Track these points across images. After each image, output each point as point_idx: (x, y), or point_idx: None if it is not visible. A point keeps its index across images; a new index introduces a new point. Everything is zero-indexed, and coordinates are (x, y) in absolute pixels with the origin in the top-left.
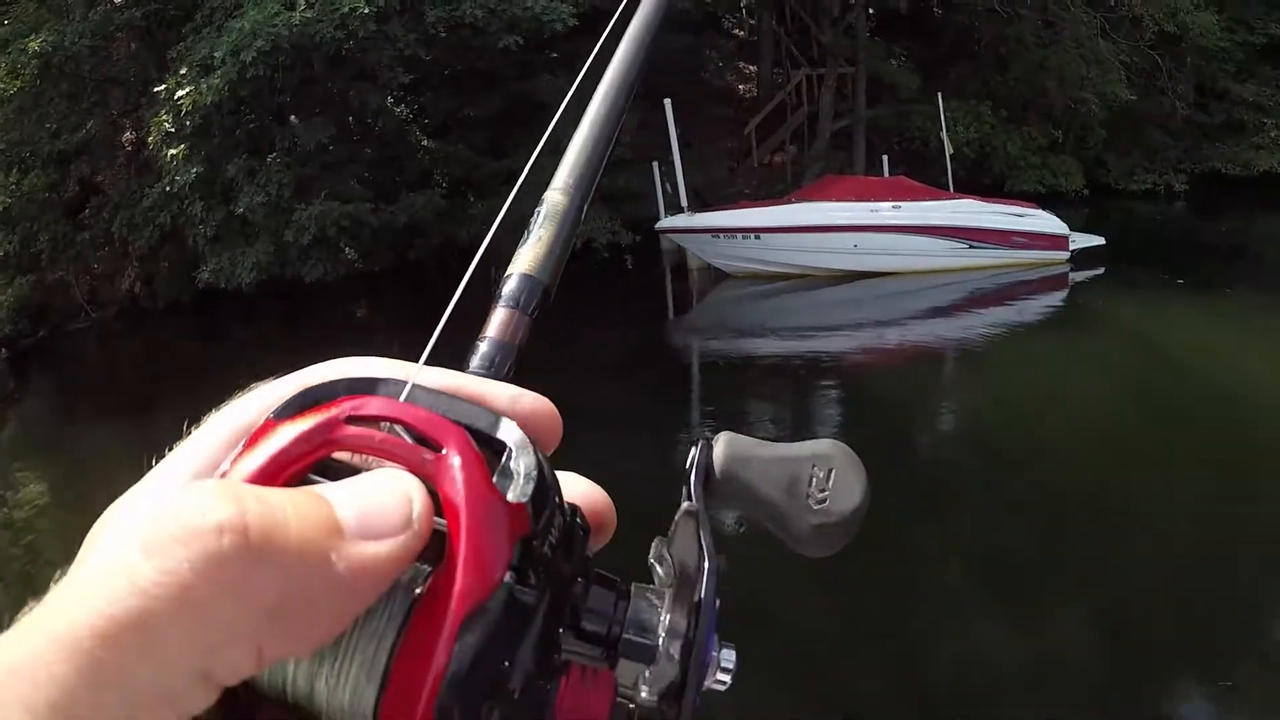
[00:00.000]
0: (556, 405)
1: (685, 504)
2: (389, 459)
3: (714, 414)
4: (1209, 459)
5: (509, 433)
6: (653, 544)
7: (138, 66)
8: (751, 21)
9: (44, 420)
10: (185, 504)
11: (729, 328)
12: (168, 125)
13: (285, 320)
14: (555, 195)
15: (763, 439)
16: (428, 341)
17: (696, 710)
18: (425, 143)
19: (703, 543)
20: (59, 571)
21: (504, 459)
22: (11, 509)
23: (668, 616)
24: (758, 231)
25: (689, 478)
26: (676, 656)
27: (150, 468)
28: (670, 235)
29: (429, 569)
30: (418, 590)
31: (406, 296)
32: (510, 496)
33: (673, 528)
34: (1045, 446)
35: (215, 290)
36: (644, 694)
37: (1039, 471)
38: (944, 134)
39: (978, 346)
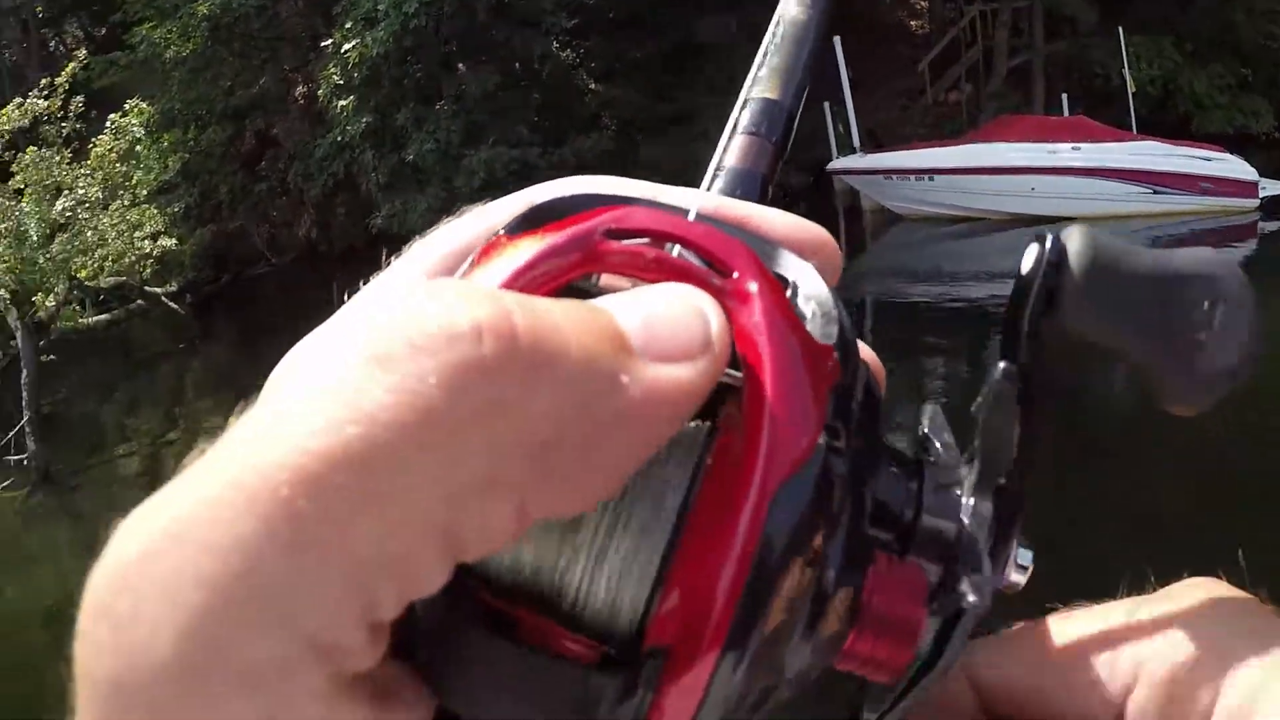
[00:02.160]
0: None
1: (1004, 364)
2: (666, 281)
3: (886, 360)
4: None
5: (794, 266)
6: (927, 410)
7: (305, 23)
8: None
9: (227, 361)
10: (426, 304)
11: (903, 271)
12: (336, 78)
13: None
14: (793, 10)
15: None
16: None
17: (986, 614)
18: (592, 86)
19: (1022, 416)
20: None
21: (788, 295)
22: (195, 439)
23: (971, 501)
24: (931, 173)
25: (1025, 293)
26: (982, 551)
27: None
28: (842, 176)
29: (708, 427)
30: (701, 450)
31: None
32: (815, 334)
33: (986, 388)
34: (1222, 410)
35: (389, 235)
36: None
37: (1212, 437)
38: (1126, 71)
39: None
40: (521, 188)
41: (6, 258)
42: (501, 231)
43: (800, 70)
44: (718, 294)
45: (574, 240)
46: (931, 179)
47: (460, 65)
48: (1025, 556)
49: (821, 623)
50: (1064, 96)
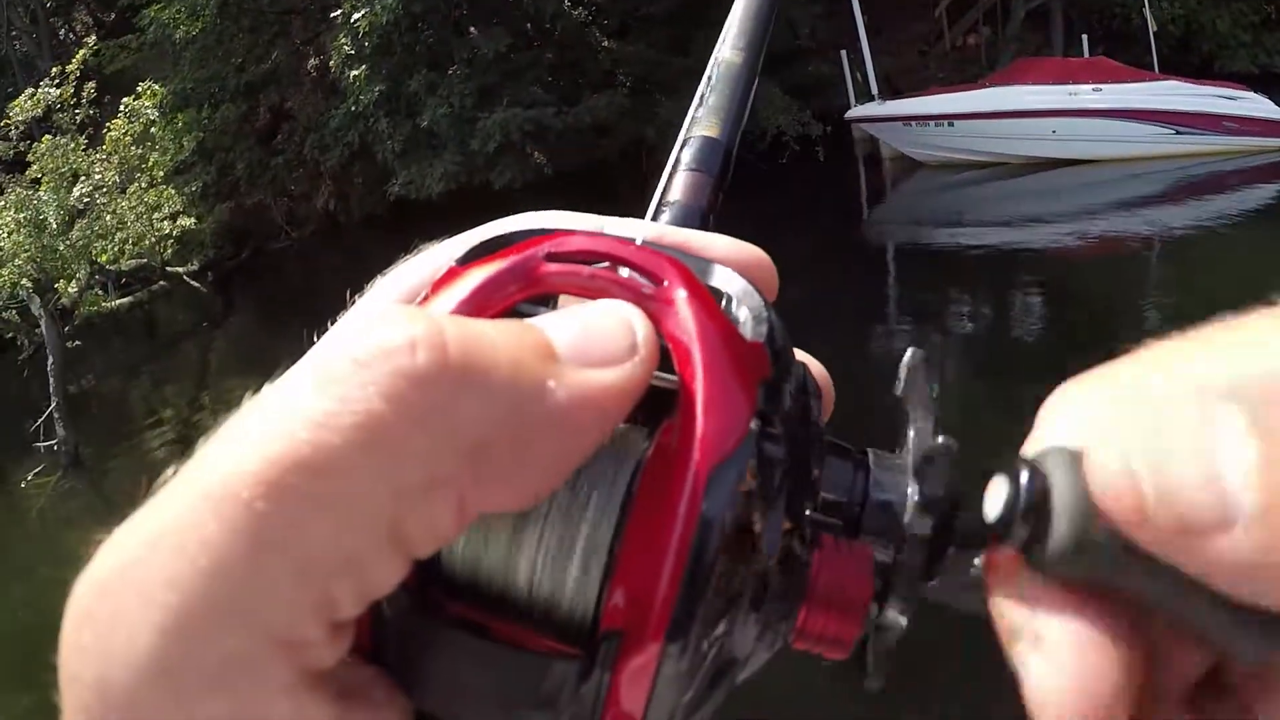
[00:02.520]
0: None
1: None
2: (601, 296)
3: (910, 309)
4: None
5: (726, 278)
6: (907, 356)
7: None
8: None
9: (250, 337)
10: (369, 326)
11: (924, 219)
12: (347, 48)
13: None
14: (727, 53)
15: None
16: None
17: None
18: (605, 44)
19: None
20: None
21: (722, 305)
22: (223, 415)
23: (916, 487)
24: (951, 118)
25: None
26: (927, 534)
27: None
28: (861, 124)
29: (646, 431)
30: (642, 450)
31: (597, 196)
32: (746, 334)
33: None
34: None
35: (407, 202)
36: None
37: None
38: (1146, 10)
39: (1183, 241)
40: (538, 149)
41: (27, 246)
42: (454, 263)
43: (736, 108)
44: (647, 302)
45: (517, 265)
46: (951, 124)
47: (471, 28)
48: None
49: (768, 600)
50: (1084, 38)
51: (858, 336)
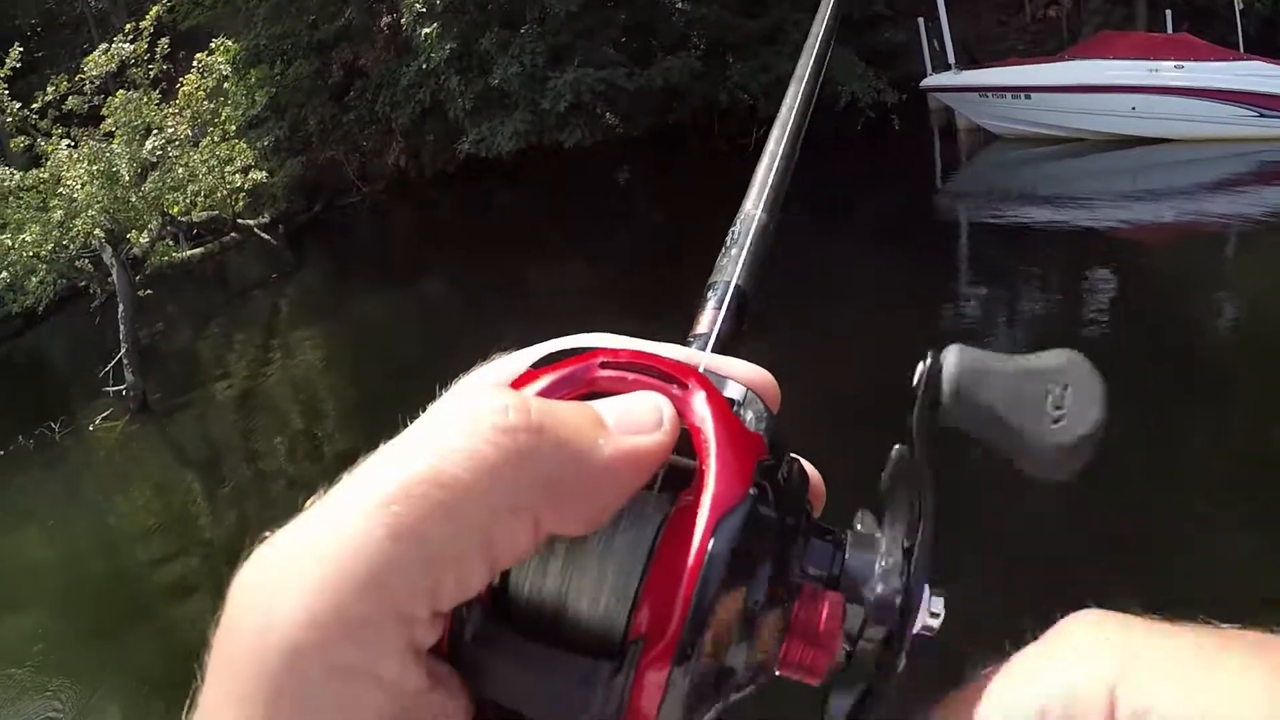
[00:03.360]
0: (819, 272)
1: (898, 448)
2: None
3: (978, 282)
4: None
5: (735, 390)
6: (858, 517)
7: None
8: None
9: (320, 290)
10: (475, 393)
11: (997, 193)
12: (420, 6)
13: (547, 186)
14: (752, 211)
15: (993, 351)
16: (686, 209)
17: (908, 655)
18: (679, 5)
19: (922, 487)
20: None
21: (735, 409)
22: (292, 371)
23: (882, 563)
24: (1028, 90)
25: (916, 395)
26: (891, 606)
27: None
28: (936, 94)
29: (671, 495)
30: (667, 507)
31: (668, 160)
32: (749, 425)
33: (888, 466)
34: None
35: (477, 160)
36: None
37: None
38: None
39: (1262, 229)
40: (609, 110)
41: (100, 197)
42: (530, 367)
43: (754, 261)
44: (673, 397)
45: (578, 370)
46: (1028, 97)
47: None
48: (937, 604)
49: (759, 627)
50: (1168, 13)
51: (923, 308)
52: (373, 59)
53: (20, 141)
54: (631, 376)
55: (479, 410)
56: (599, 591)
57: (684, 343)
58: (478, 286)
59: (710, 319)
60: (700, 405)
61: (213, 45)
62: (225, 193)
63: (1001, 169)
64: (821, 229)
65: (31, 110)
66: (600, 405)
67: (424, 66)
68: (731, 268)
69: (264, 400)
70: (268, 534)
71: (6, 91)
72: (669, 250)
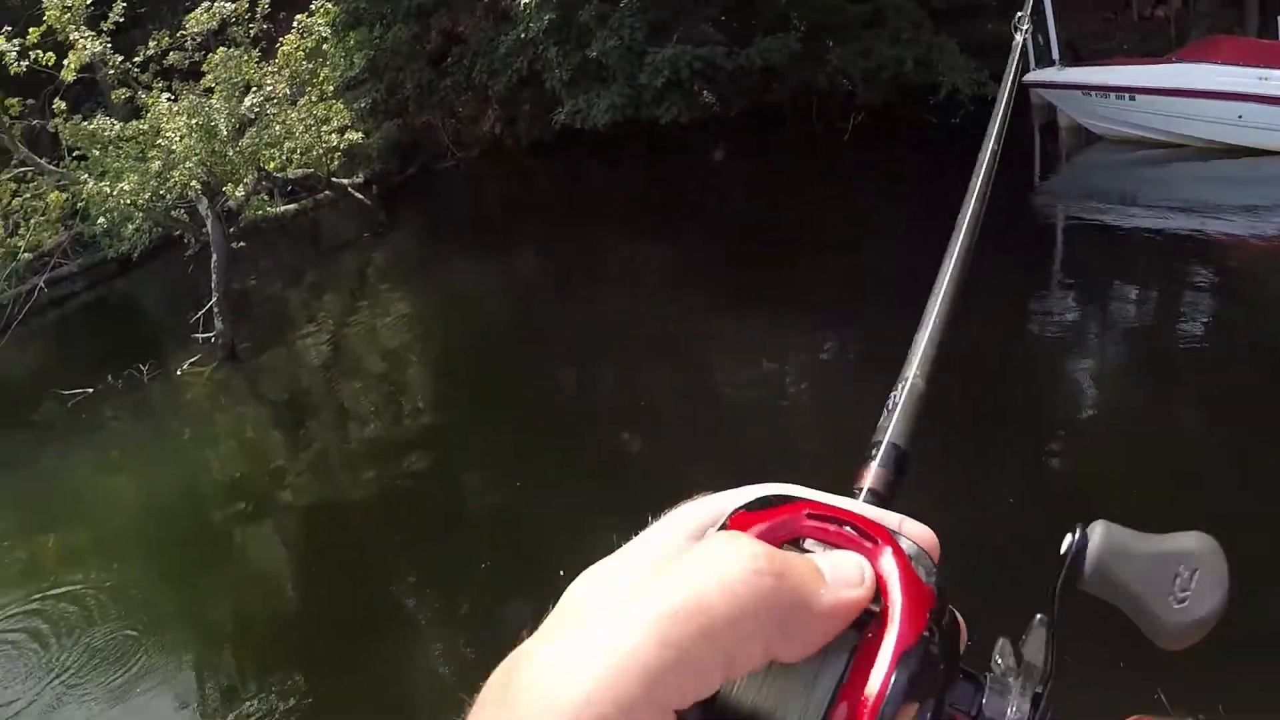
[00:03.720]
0: (916, 273)
1: (1040, 616)
2: (842, 544)
3: (1073, 285)
4: None
5: (912, 546)
6: (998, 643)
7: None
8: None
9: (410, 251)
10: (729, 541)
11: (1096, 194)
12: None
13: (641, 160)
14: (912, 378)
15: (1134, 531)
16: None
17: None
18: None
19: (1048, 658)
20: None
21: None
22: (378, 330)
23: (1017, 703)
24: (1132, 91)
25: (1063, 567)
26: None
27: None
28: (1039, 90)
29: (859, 631)
30: (856, 641)
31: (763, 140)
32: (924, 580)
33: (1028, 630)
34: None
35: (573, 130)
36: None
37: None
38: None
39: None
40: (706, 89)
41: (198, 150)
42: (741, 509)
43: (915, 420)
44: (868, 553)
45: (793, 518)
46: (1132, 98)
47: None
48: None
49: None
50: (1279, 19)
51: (1016, 308)
52: (471, 26)
53: (122, 93)
54: (833, 528)
55: (735, 555)
56: (804, 711)
57: (850, 492)
58: (565, 259)
59: (876, 476)
60: (888, 561)
61: (313, 7)
62: (321, 151)
63: (1101, 170)
64: (921, 224)
65: (133, 64)
66: (819, 559)
67: (522, 36)
68: (894, 430)
69: (349, 356)
70: (524, 635)
71: (110, 45)
72: (761, 235)
